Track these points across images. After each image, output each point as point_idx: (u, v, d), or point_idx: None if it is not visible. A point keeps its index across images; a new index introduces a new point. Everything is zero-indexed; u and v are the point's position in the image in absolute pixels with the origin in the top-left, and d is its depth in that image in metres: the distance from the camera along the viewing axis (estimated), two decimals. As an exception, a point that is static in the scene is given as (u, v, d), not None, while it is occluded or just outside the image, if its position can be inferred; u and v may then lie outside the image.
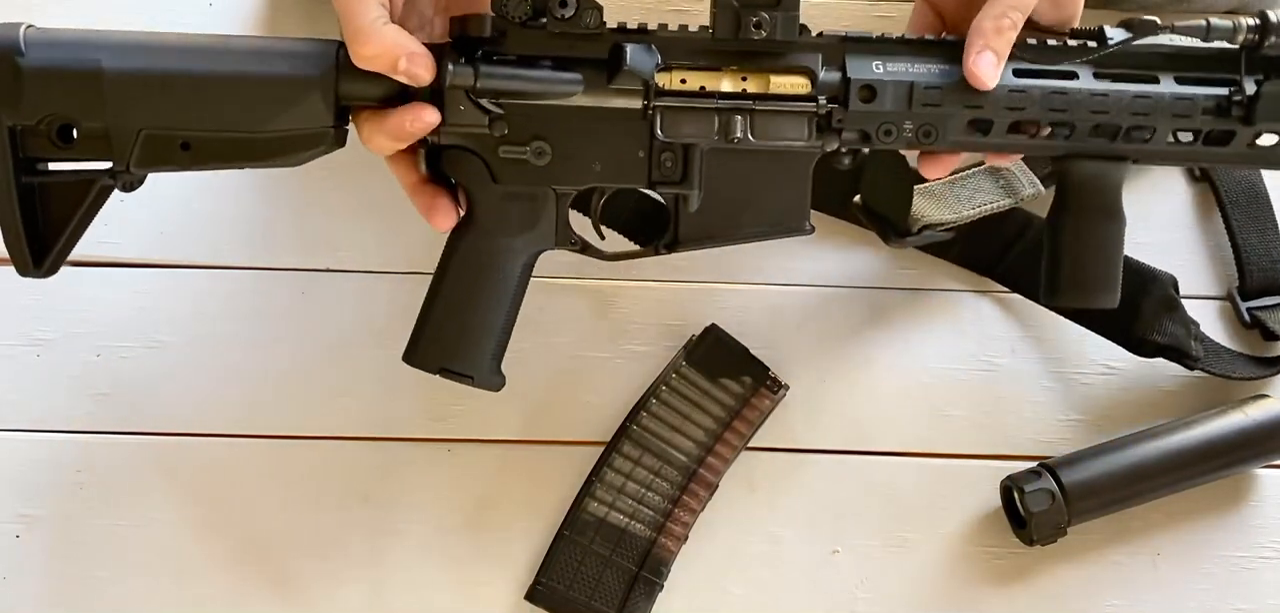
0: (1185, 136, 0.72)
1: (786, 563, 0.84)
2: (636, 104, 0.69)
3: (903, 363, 0.88)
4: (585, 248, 0.74)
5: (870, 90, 0.69)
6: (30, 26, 0.66)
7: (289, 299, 0.88)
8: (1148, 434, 0.83)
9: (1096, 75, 0.70)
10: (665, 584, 0.81)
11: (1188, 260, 0.90)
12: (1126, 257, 0.86)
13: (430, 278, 0.87)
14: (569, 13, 0.67)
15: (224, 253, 0.88)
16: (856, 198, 0.85)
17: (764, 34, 0.67)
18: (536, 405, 0.85)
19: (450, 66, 0.66)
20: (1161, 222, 0.91)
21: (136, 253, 0.88)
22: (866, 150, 0.72)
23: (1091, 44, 0.70)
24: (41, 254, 0.68)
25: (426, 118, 0.67)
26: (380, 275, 0.88)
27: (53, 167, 0.67)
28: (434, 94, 0.67)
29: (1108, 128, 0.70)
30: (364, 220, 0.89)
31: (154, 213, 0.88)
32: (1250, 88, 0.69)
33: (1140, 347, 0.86)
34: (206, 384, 0.85)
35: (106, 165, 0.67)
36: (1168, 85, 0.70)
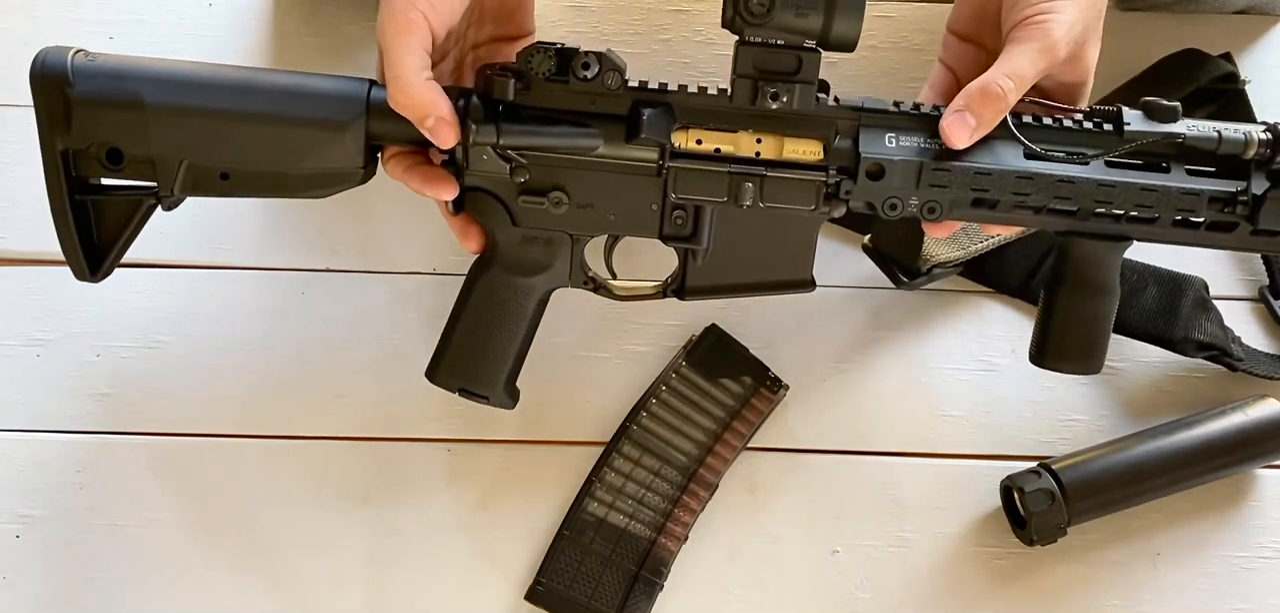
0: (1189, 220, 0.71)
1: (786, 563, 0.84)
2: (652, 162, 0.69)
3: (903, 363, 0.88)
4: (598, 287, 0.75)
5: (879, 170, 0.69)
6: (79, 51, 0.67)
7: (289, 299, 0.88)
8: (1148, 434, 0.83)
9: (1108, 162, 0.69)
10: (665, 584, 0.81)
11: (1213, 262, 0.90)
12: (1155, 266, 0.87)
13: (430, 279, 0.88)
14: (591, 74, 0.68)
15: (224, 253, 0.89)
16: (867, 239, 0.87)
17: (781, 104, 0.68)
18: (536, 405, 0.85)
19: (474, 127, 0.67)
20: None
21: (136, 253, 0.87)
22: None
23: (1108, 127, 0.69)
24: (97, 263, 0.71)
25: (444, 194, 0.70)
26: (380, 275, 0.88)
27: (105, 182, 0.70)
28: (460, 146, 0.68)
29: (1112, 213, 0.70)
30: (364, 221, 0.89)
31: (154, 213, 0.87)
32: (1259, 187, 0.69)
33: (1181, 347, 0.87)
34: (206, 384, 0.85)
35: (152, 185, 0.70)
36: (1177, 177, 0.69)
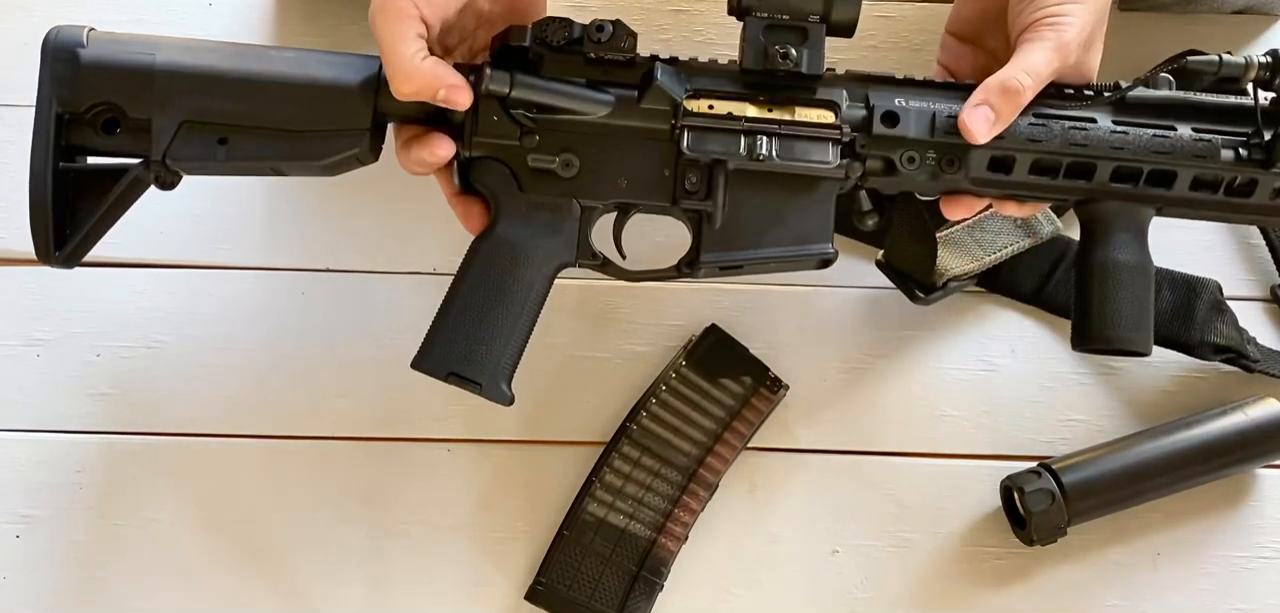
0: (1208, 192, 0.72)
1: (786, 563, 0.84)
2: (664, 124, 0.70)
3: (902, 363, 0.88)
4: (605, 265, 0.75)
5: (893, 116, 0.70)
6: (94, 29, 0.69)
7: (289, 299, 0.88)
8: (1148, 434, 0.83)
9: (1115, 121, 0.70)
10: (665, 584, 0.81)
11: (1224, 264, 0.90)
12: (1170, 270, 0.87)
13: (430, 279, 0.87)
14: (606, 36, 0.68)
15: (224, 253, 0.89)
16: (880, 256, 0.87)
17: (790, 65, 0.68)
18: (536, 405, 0.85)
19: (488, 71, 0.68)
20: (1193, 226, 0.90)
21: (136, 253, 0.88)
22: (888, 199, 0.73)
23: (1108, 94, 0.71)
24: (64, 240, 0.70)
25: (440, 152, 0.69)
26: (380, 276, 0.88)
27: (91, 161, 0.70)
28: (468, 111, 0.69)
29: (1129, 171, 0.71)
30: (364, 221, 0.89)
31: (154, 213, 0.87)
32: (1268, 133, 0.70)
33: (1197, 350, 0.87)
34: (206, 384, 0.85)
35: (141, 159, 0.69)
36: (1186, 131, 0.70)
